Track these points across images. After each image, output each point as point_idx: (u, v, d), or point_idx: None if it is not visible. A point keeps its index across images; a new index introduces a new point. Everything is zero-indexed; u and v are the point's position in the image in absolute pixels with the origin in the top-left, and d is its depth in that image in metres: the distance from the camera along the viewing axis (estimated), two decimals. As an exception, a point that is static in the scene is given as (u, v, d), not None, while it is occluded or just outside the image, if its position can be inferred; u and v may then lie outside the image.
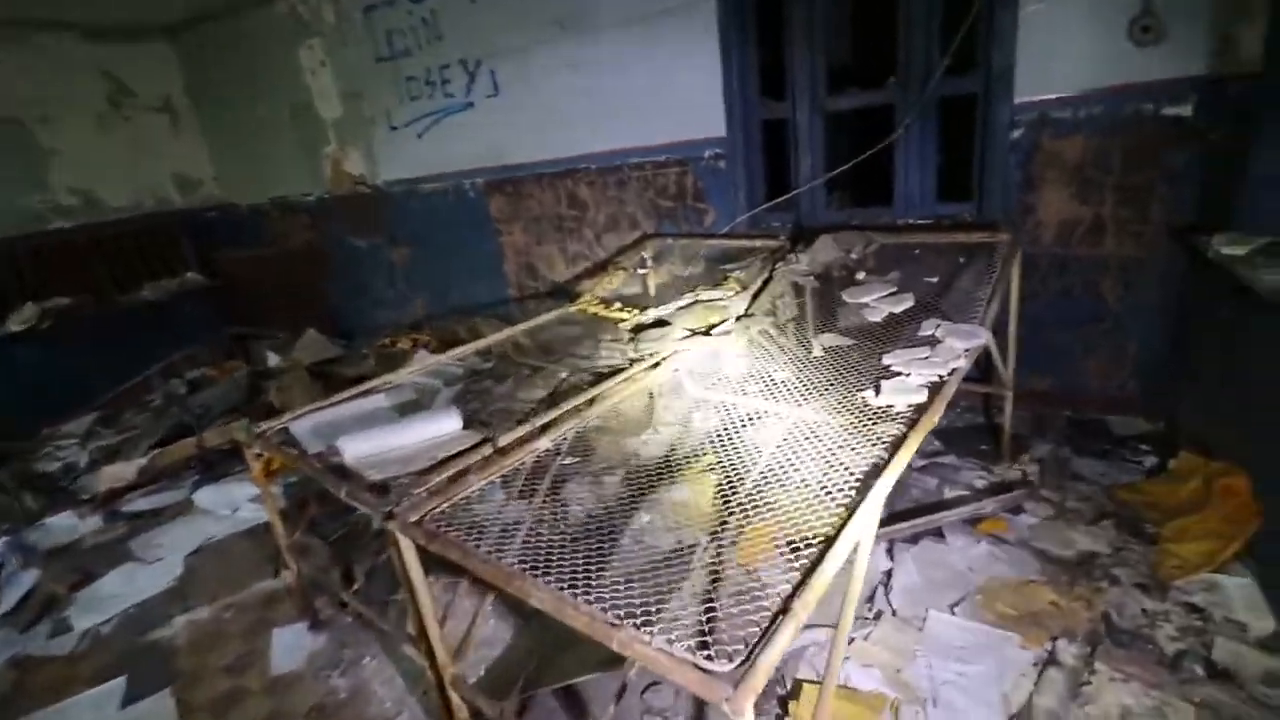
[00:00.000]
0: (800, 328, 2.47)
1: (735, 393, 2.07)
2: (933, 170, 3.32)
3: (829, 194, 3.68)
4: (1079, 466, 2.74)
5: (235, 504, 3.32)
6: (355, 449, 1.83)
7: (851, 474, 1.42)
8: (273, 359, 5.16)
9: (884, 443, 1.53)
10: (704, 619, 1.24)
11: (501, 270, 4.87)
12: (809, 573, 1.10)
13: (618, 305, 3.24)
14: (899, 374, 1.88)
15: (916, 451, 1.51)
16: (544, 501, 1.74)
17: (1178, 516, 2.29)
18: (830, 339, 2.25)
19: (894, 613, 2.08)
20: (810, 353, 2.19)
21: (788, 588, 1.07)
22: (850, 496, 1.34)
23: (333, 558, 2.68)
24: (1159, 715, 1.64)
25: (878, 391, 1.80)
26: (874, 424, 1.65)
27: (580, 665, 1.82)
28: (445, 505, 1.48)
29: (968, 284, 2.42)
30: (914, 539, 2.39)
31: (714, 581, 1.63)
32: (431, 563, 1.52)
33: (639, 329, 2.75)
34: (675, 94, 3.66)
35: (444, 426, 1.95)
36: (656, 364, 2.28)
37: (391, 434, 1.91)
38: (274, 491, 2.24)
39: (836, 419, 1.75)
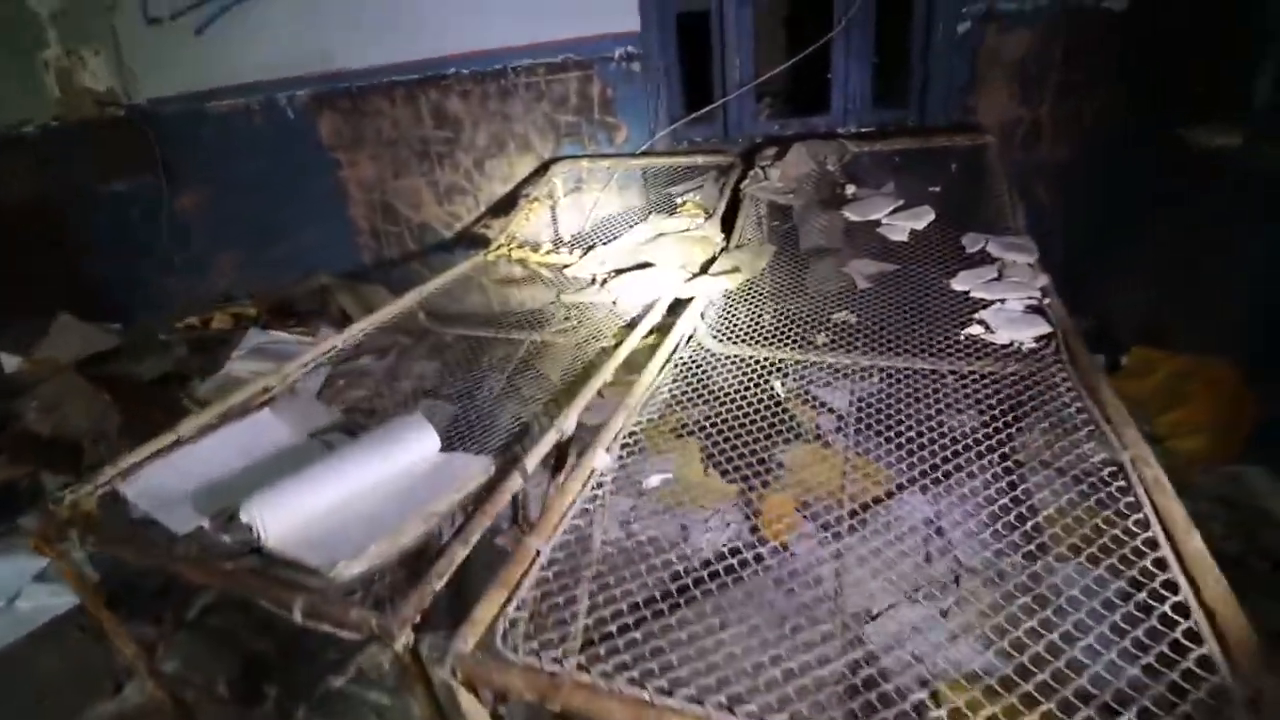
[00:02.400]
0: (817, 255, 2.07)
1: (795, 347, 1.63)
2: (869, 73, 3.03)
3: (756, 103, 3.26)
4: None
5: (6, 591, 2.23)
6: (275, 520, 1.09)
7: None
8: (10, 362, 3.64)
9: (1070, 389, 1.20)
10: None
11: (345, 214, 3.83)
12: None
13: (547, 248, 2.59)
14: (991, 301, 1.57)
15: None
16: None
17: (1157, 414, 2.35)
18: (865, 265, 1.89)
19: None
20: (855, 285, 1.81)
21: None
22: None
23: (212, 643, 1.85)
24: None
25: (988, 327, 1.48)
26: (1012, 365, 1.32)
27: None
28: (512, 607, 0.88)
29: (973, 191, 2.18)
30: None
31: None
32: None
33: (599, 276, 2.17)
34: (573, -27, 2.93)
35: (414, 451, 1.27)
36: (656, 326, 1.76)
37: (325, 482, 1.18)
38: (78, 558, 1.35)
39: (958, 365, 1.39)
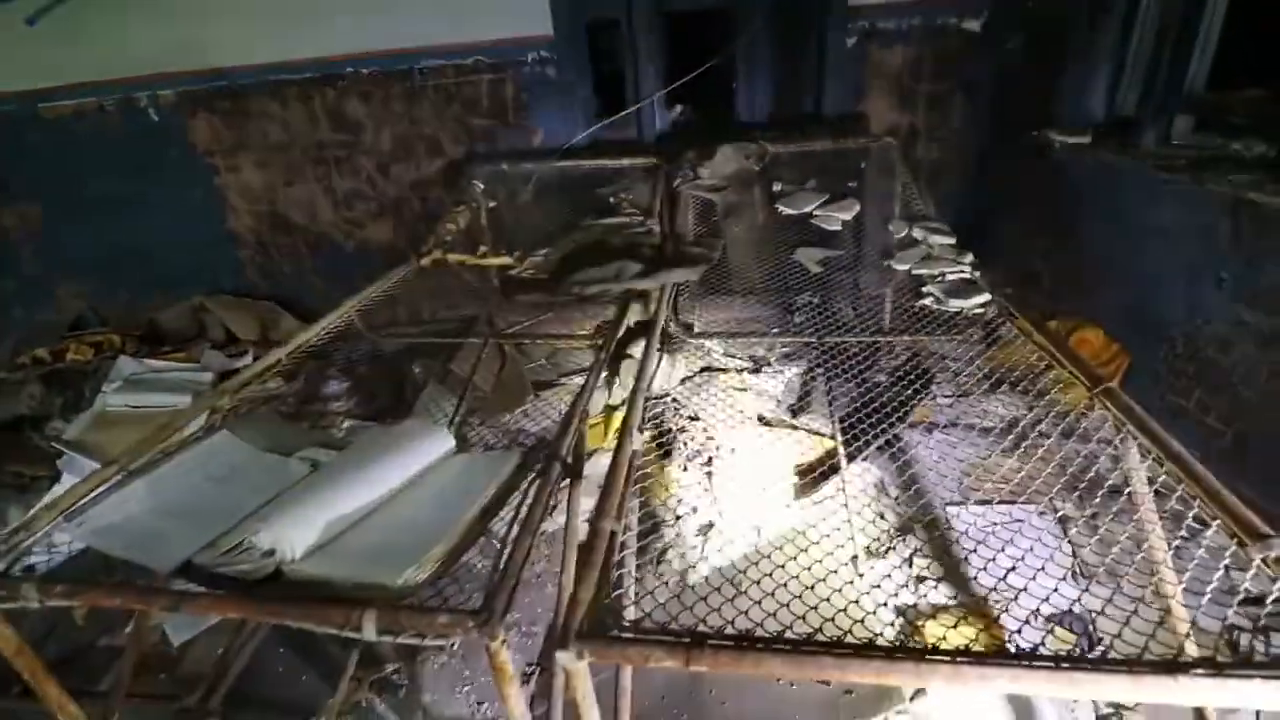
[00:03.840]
0: (761, 246, 2.19)
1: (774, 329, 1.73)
2: (771, 81, 3.26)
3: (668, 109, 3.38)
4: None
5: None
6: (302, 541, 0.99)
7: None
8: None
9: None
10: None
11: (223, 226, 3.46)
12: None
13: (482, 250, 2.52)
14: (932, 276, 1.77)
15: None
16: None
17: (1040, 374, 2.74)
18: (812, 253, 2.04)
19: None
20: (808, 271, 1.95)
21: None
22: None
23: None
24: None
25: (937, 298, 1.66)
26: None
27: None
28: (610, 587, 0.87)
29: (885, 187, 2.43)
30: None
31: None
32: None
33: (557, 275, 2.15)
34: (485, -25, 2.88)
35: (430, 454, 1.20)
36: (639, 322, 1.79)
37: (346, 497, 1.08)
38: (5, 633, 1.11)
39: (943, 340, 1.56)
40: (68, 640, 1.92)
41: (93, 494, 1.19)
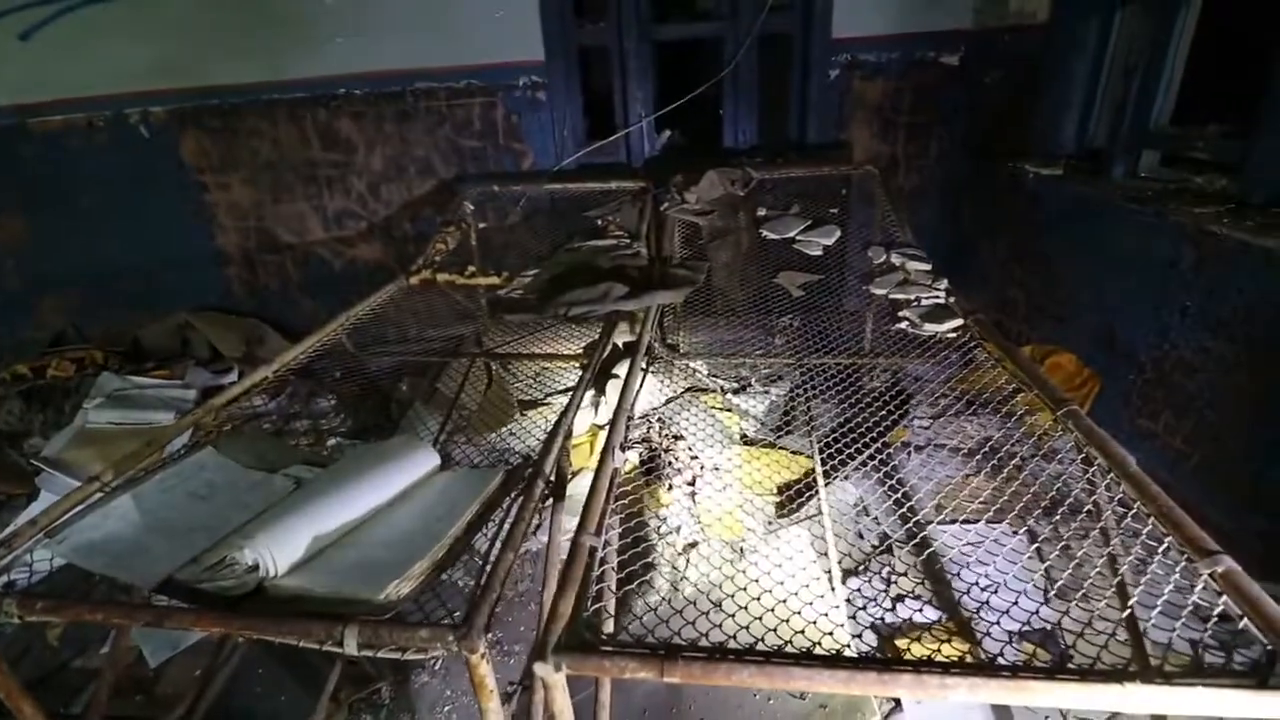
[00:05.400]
0: (744, 269, 2.24)
1: (756, 351, 1.77)
2: (757, 108, 3.35)
3: (657, 133, 3.45)
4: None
5: None
6: (284, 557, 1.00)
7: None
8: None
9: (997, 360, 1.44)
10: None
11: (210, 243, 3.47)
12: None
13: (471, 270, 2.55)
14: (908, 301, 1.82)
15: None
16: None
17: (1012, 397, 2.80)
18: (794, 277, 2.09)
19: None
20: (790, 294, 2.00)
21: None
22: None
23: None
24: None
25: (913, 324, 1.71)
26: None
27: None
28: (588, 601, 0.89)
29: (866, 214, 2.50)
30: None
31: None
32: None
33: (545, 296, 2.19)
34: (478, 2, 2.95)
35: (415, 471, 1.22)
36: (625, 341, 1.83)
37: (330, 513, 1.09)
38: None
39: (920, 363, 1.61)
40: (41, 662, 1.89)
41: (74, 510, 1.19)
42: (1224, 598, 0.78)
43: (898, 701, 1.60)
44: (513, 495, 1.13)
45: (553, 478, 1.18)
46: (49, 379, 2.98)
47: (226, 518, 1.16)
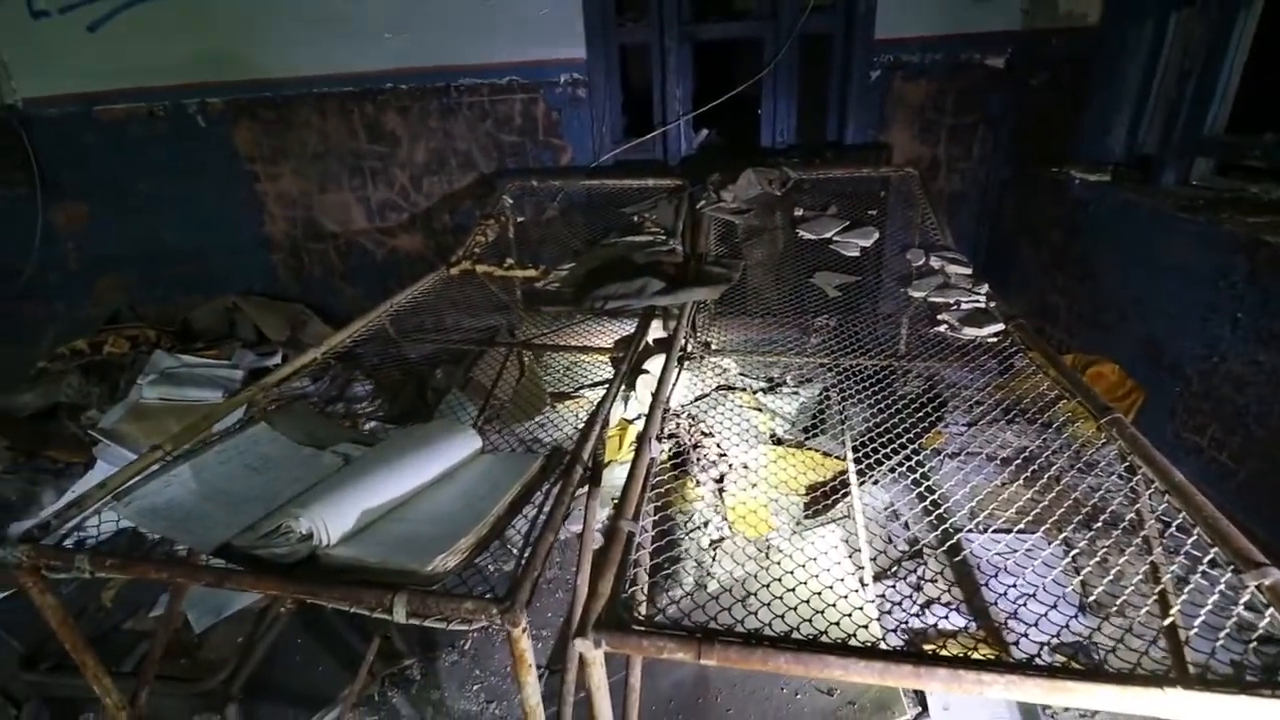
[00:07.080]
0: (780, 269, 2.25)
1: (791, 351, 1.78)
2: (795, 108, 3.34)
3: (695, 131, 3.47)
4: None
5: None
6: (337, 528, 1.05)
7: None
8: None
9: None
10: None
11: (259, 230, 3.59)
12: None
13: (509, 263, 2.60)
14: (948, 304, 1.81)
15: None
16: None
17: (1051, 405, 2.75)
18: (831, 277, 2.09)
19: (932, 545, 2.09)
20: (826, 295, 2.00)
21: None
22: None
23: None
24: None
25: (952, 328, 1.70)
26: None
27: None
28: (626, 583, 0.91)
29: (905, 216, 2.48)
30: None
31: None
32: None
33: (580, 289, 2.22)
34: (522, 1, 2.99)
35: (459, 453, 1.26)
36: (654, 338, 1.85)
37: (380, 488, 1.14)
38: (52, 603, 1.15)
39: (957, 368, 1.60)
40: (96, 622, 1.99)
41: (138, 477, 1.26)
42: (1271, 610, 0.77)
43: (924, 706, 1.60)
44: (551, 479, 1.16)
45: (590, 464, 1.21)
46: (105, 355, 3.12)
47: (280, 490, 1.22)
